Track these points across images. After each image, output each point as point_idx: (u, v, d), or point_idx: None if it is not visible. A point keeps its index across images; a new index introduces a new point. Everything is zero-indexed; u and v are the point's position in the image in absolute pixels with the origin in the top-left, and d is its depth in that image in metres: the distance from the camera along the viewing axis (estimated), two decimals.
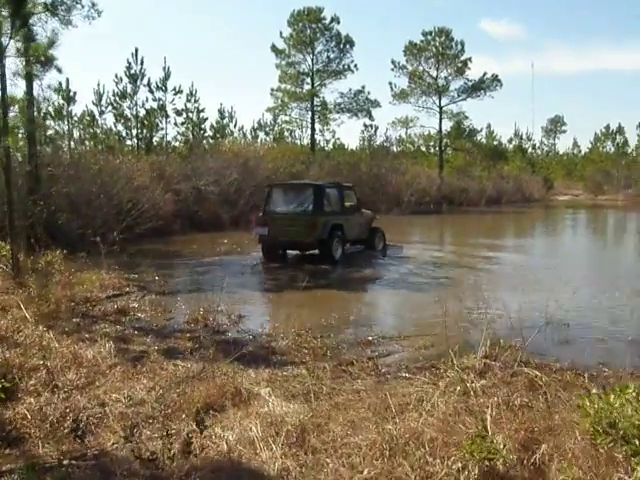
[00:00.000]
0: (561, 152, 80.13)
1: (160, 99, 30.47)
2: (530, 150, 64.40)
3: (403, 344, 6.56)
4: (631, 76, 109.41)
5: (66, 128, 28.22)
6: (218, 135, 36.53)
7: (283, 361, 5.82)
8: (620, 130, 59.55)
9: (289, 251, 14.74)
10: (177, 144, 32.50)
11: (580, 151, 76.34)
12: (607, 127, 61.93)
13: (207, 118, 34.03)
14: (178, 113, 31.62)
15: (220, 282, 10.94)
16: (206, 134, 35.49)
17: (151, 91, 30.09)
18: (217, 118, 37.59)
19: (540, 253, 16.20)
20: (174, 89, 30.78)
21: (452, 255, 15.62)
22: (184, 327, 7.42)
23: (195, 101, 33.33)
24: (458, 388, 4.67)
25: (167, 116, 31.07)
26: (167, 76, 30.46)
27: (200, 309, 8.27)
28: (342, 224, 13.75)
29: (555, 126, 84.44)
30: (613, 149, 60.85)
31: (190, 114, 33.16)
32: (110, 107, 30.20)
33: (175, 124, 32.03)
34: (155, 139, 31.92)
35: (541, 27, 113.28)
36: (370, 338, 6.74)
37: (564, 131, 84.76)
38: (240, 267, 13.10)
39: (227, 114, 38.24)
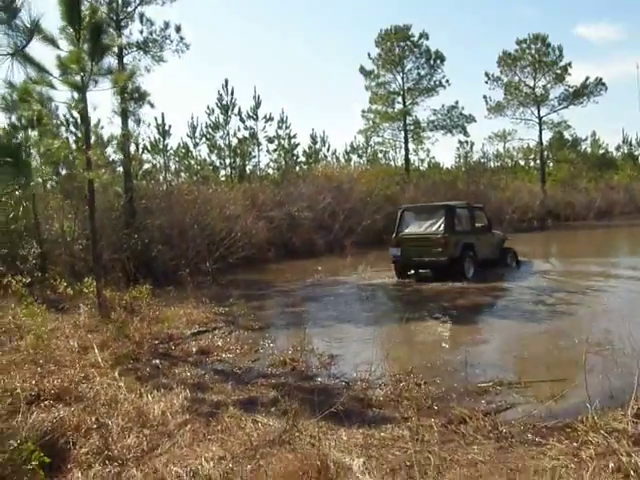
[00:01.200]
0: None
1: (251, 127, 30.75)
2: None
3: (526, 393, 5.33)
4: None
5: (162, 161, 28.72)
6: (311, 160, 36.29)
7: (381, 417, 4.84)
8: None
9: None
10: (270, 171, 32.58)
11: None
12: None
13: (299, 144, 34.04)
14: (270, 140, 31.73)
15: (314, 314, 10.55)
16: (299, 160, 35.46)
17: (242, 120, 30.37)
18: (309, 143, 37.50)
19: None
20: (265, 117, 30.97)
21: (564, 277, 14.05)
22: (269, 371, 6.59)
23: (286, 127, 33.35)
24: (611, 464, 3.53)
25: (259, 144, 31.21)
26: (258, 104, 30.63)
27: (289, 348, 7.53)
28: (473, 243, 13.90)
29: None
30: None
31: (282, 141, 33.20)
32: (204, 138, 30.64)
33: (267, 151, 32.21)
34: (248, 167, 32.11)
35: None
36: (484, 385, 5.58)
37: None
38: (334, 296, 12.29)
39: (319, 138, 38.06)
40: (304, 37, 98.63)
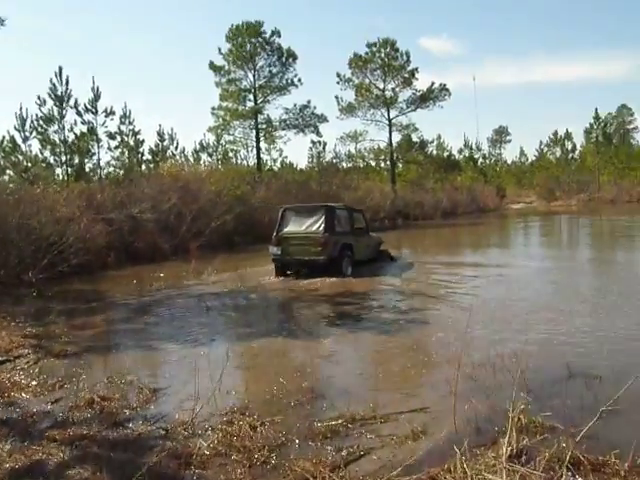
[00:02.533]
0: (509, 161, 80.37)
1: (90, 122, 28.06)
2: (480, 160, 63.91)
3: (382, 431, 4.44)
4: (566, 87, 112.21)
5: None
6: (158, 158, 34.22)
7: None
8: (568, 136, 59.61)
9: None
10: (111, 170, 30.17)
11: (527, 159, 76.72)
12: (555, 133, 61.95)
13: (144, 141, 31.81)
14: (111, 136, 29.28)
15: (144, 332, 9.17)
16: (144, 158, 33.26)
17: (79, 113, 27.64)
18: (156, 140, 35.39)
19: (521, 270, 14.37)
20: (105, 111, 28.44)
21: (418, 280, 13.73)
22: (70, 416, 5.21)
23: (130, 123, 31.08)
24: None
25: (99, 140, 28.67)
26: (97, 97, 28.07)
27: (104, 380, 6.19)
28: (352, 244, 14.35)
29: (500, 136, 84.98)
30: (560, 154, 60.72)
31: (125, 137, 30.88)
32: (34, 132, 27.54)
33: (109, 148, 29.70)
34: (88, 165, 29.48)
35: (479, 42, 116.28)
36: (333, 423, 4.66)
37: (509, 141, 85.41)
38: (171, 308, 10.94)
39: (167, 136, 36.06)
40: (151, 31, 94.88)
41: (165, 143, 35.90)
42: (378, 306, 10.41)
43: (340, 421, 4.70)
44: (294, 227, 14.17)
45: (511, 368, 5.74)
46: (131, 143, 31.30)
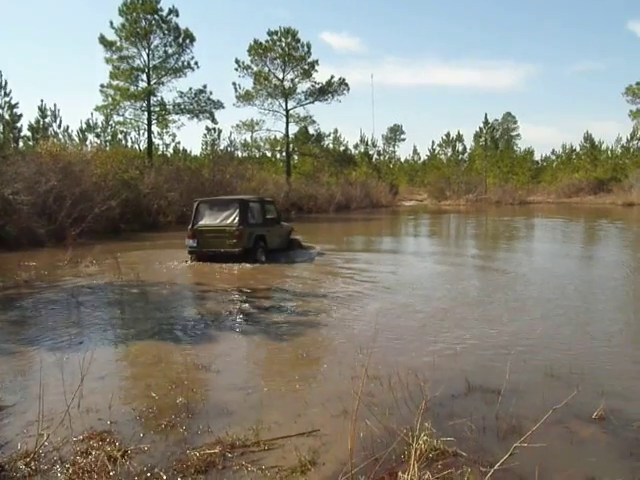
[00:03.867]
0: (402, 159, 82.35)
1: None
2: (375, 156, 64.90)
3: (265, 462, 3.83)
4: (459, 92, 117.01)
5: None
6: (38, 136, 31.83)
7: None
8: (460, 138, 61.75)
9: None
10: None
11: (420, 158, 78.93)
12: (448, 135, 64.06)
13: (21, 115, 29.46)
14: None
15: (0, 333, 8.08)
16: (22, 134, 30.84)
17: None
18: (37, 116, 32.93)
19: (413, 271, 14.34)
20: None
21: (307, 273, 13.32)
22: None
23: (6, 94, 28.68)
24: None
25: None
26: None
27: None
28: (264, 235, 14.96)
29: (395, 134, 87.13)
30: (451, 155, 62.92)
31: (0, 110, 28.44)
32: None
33: None
34: None
35: (379, 42, 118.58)
36: (209, 451, 4.03)
37: (403, 139, 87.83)
38: (38, 303, 9.81)
39: (49, 112, 33.65)
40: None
41: (47, 120, 33.57)
42: (276, 302, 9.89)
43: (218, 449, 4.07)
44: (209, 220, 14.57)
45: (409, 381, 5.40)
46: (6, 117, 28.92)
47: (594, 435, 4.37)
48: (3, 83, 28.52)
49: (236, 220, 14.18)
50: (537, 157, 68.65)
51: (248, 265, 13.83)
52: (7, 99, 28.79)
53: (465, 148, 63.59)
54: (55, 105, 34.93)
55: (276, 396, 5.29)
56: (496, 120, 69.17)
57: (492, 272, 13.72)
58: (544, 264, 14.77)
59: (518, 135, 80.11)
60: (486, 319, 8.49)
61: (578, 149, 63.53)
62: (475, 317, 8.60)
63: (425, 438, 3.81)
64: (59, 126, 34.23)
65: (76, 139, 35.84)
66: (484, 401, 5.04)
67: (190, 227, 14.53)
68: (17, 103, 29.10)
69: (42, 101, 33.81)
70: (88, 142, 36.02)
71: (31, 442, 4.15)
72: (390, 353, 6.60)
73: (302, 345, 7.09)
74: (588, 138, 60.91)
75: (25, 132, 31.53)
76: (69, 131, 35.38)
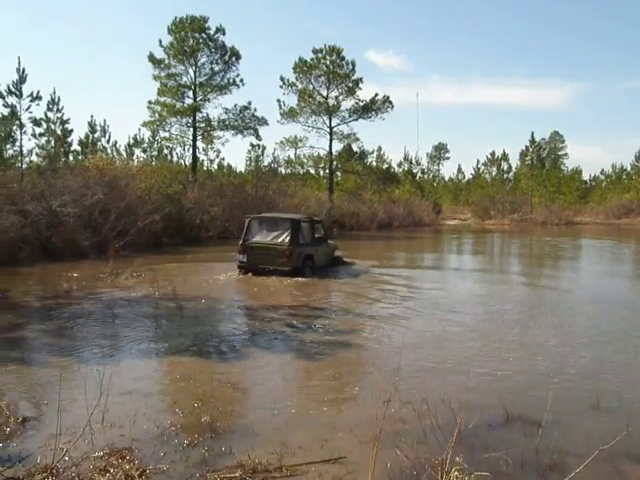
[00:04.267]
0: (446, 178, 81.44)
1: (13, 105, 26.22)
2: (419, 175, 64.35)
3: None
4: (504, 110, 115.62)
5: None
6: (87, 150, 32.55)
7: None
8: (505, 157, 60.74)
9: None
10: (35, 158, 28.34)
11: (464, 177, 77.92)
12: (492, 153, 63.03)
13: (72, 130, 30.12)
14: (36, 123, 27.47)
15: (30, 344, 8.07)
16: (72, 149, 31.57)
17: (1, 95, 25.78)
18: (87, 131, 33.71)
19: (455, 293, 14.01)
20: (31, 95, 26.65)
21: (348, 290, 13.12)
22: None
23: (58, 110, 29.39)
24: None
25: (22, 125, 26.82)
26: (22, 79, 26.25)
27: None
28: (312, 254, 15.34)
29: (439, 153, 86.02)
30: (496, 174, 61.88)
31: (52, 125, 29.18)
32: None
33: (33, 135, 27.89)
34: (10, 152, 27.53)
35: (423, 60, 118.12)
36: (229, 475, 3.83)
37: (448, 158, 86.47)
38: (74, 314, 9.86)
39: (99, 127, 34.42)
40: (92, 20, 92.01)
41: (96, 135, 34.32)
42: (313, 319, 9.67)
43: (238, 473, 3.92)
44: (260, 237, 14.93)
45: (444, 408, 5.13)
46: (58, 132, 29.63)
47: None
48: (56, 99, 29.27)
49: (287, 239, 14.52)
50: (585, 177, 67.07)
51: (293, 280, 14.01)
52: (59, 115, 29.50)
53: (510, 167, 62.49)
54: (105, 121, 35.69)
55: (303, 418, 5.11)
56: (543, 139, 67.74)
57: (537, 294, 13.26)
58: (592, 288, 14.22)
59: (566, 154, 78.24)
60: (529, 343, 8.13)
61: (629, 168, 61.79)
62: (517, 340, 8.26)
63: (456, 474, 3.56)
64: (108, 141, 34.96)
65: (124, 154, 36.54)
66: (523, 433, 4.75)
67: (241, 242, 14.93)
68: (69, 119, 29.83)
69: (92, 117, 34.50)
70: (135, 157, 36.70)
71: (52, 456, 4.06)
72: (426, 377, 6.34)
73: (335, 366, 6.89)
74: None
75: (75, 147, 32.26)
76: (117, 146, 36.13)
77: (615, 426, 4.30)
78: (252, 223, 15.20)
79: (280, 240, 14.61)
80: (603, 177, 66.73)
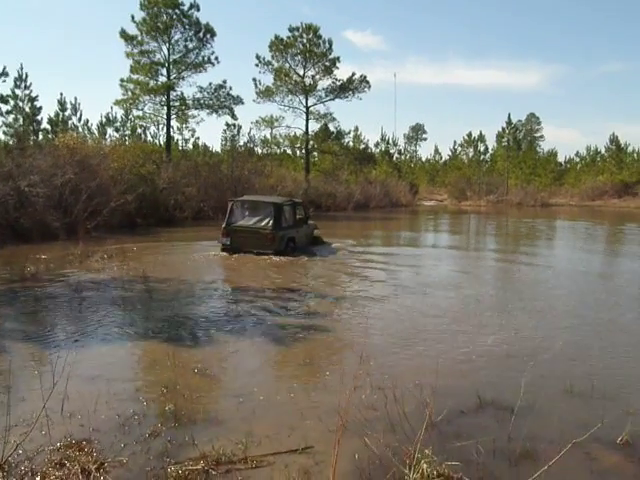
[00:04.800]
0: (423, 159, 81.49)
1: None
2: (396, 155, 64.27)
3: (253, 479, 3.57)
4: (481, 92, 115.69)
5: None
6: (57, 129, 31.80)
7: None
8: (481, 138, 60.90)
9: None
10: (3, 137, 27.64)
11: (441, 158, 78.04)
12: (469, 134, 63.21)
13: (41, 108, 29.44)
14: (3, 100, 26.72)
15: None
16: (42, 127, 30.85)
17: None
18: (57, 110, 32.94)
19: (431, 271, 13.95)
20: None
21: (325, 270, 12.99)
22: None
23: (26, 87, 28.69)
24: None
25: None
26: None
27: None
28: (294, 236, 15.80)
29: (416, 133, 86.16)
30: (473, 155, 62.08)
31: (20, 102, 28.47)
32: None
33: (0, 113, 27.19)
34: None
35: (402, 41, 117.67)
36: (191, 467, 3.67)
37: (425, 139, 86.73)
38: (36, 298, 9.57)
39: (70, 105, 33.67)
40: None
41: (67, 113, 33.58)
42: (287, 302, 9.54)
43: (201, 465, 3.75)
44: (243, 221, 15.30)
45: (417, 393, 5.02)
46: (27, 109, 28.95)
47: (618, 464, 3.96)
48: (24, 76, 28.52)
49: (270, 223, 14.90)
50: (560, 159, 67.54)
51: (269, 259, 14.35)
52: (27, 92, 28.79)
53: (487, 149, 62.75)
54: (76, 99, 34.92)
55: (271, 406, 4.96)
56: (519, 121, 68.03)
57: (513, 276, 13.25)
58: (567, 271, 14.25)
59: (542, 137, 78.70)
60: (504, 326, 8.07)
61: (603, 151, 62.37)
62: (492, 323, 8.19)
63: (425, 466, 3.44)
64: (79, 120, 34.27)
65: (95, 133, 35.85)
66: (496, 419, 4.65)
67: (224, 226, 15.19)
68: (37, 96, 29.12)
69: (62, 94, 33.56)
70: (107, 136, 36.04)
71: (2, 450, 3.85)
72: (399, 362, 6.23)
73: (306, 351, 6.76)
74: (614, 140, 59.65)
75: (45, 125, 31.54)
76: (89, 125, 35.42)
77: (589, 412, 4.21)
78: (235, 206, 15.50)
79: (263, 224, 14.96)
80: (578, 159, 67.29)
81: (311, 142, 43.08)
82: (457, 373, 5.86)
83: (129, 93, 33.67)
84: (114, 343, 6.92)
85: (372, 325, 7.91)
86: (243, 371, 6.13)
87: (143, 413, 4.70)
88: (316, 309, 8.99)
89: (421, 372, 5.80)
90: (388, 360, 6.24)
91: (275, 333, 7.55)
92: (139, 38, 33.77)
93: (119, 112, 38.78)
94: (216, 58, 34.79)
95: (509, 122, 58.57)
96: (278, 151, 47.55)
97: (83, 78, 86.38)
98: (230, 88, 35.39)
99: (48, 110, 35.53)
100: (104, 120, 36.92)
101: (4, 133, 27.83)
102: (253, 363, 6.45)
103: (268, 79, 41.49)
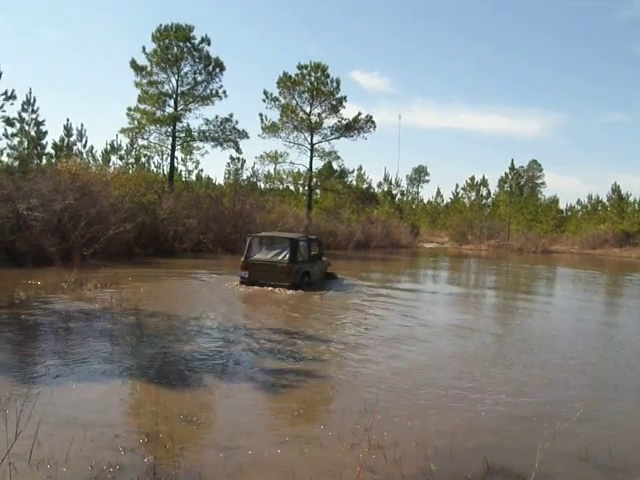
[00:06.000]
0: (425, 200, 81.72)
1: None
2: (398, 196, 64.32)
3: None
4: (484, 137, 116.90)
5: None
6: (61, 154, 31.73)
7: None
8: (484, 182, 61.01)
9: None
10: (5, 159, 27.49)
11: (443, 200, 78.19)
12: (472, 178, 63.32)
13: (47, 132, 29.42)
14: (9, 123, 26.64)
15: None
16: (46, 151, 30.76)
17: None
18: (62, 135, 32.93)
19: (428, 328, 13.58)
20: (5, 93, 25.87)
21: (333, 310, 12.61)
22: None
23: (33, 111, 28.71)
24: None
25: None
26: None
27: None
28: (309, 271, 16.60)
29: (419, 175, 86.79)
30: (475, 199, 62.11)
31: (26, 126, 28.44)
32: None
33: (5, 135, 27.13)
34: None
35: (408, 83, 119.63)
36: None
37: (427, 181, 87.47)
38: (22, 328, 9.18)
39: (75, 131, 33.70)
40: (72, 24, 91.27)
41: (72, 139, 33.57)
42: (287, 345, 9.02)
43: None
44: (261, 255, 16.01)
45: (418, 454, 4.63)
46: (32, 133, 28.90)
47: None
48: (32, 100, 28.58)
49: (287, 257, 15.58)
50: (562, 206, 67.58)
51: (286, 292, 15.02)
52: (34, 116, 28.81)
53: (489, 193, 62.83)
54: (82, 125, 35.11)
55: (260, 462, 4.53)
56: (522, 167, 68.25)
57: (514, 328, 12.85)
58: (569, 322, 13.86)
59: (543, 183, 79.25)
60: (510, 383, 7.67)
61: (605, 200, 62.44)
62: (497, 381, 7.78)
63: None
64: (84, 146, 34.25)
65: (99, 160, 35.79)
66: None
67: (243, 259, 15.92)
68: (44, 120, 29.12)
69: (68, 120, 33.76)
70: (111, 163, 35.97)
71: None
72: (400, 416, 5.82)
73: (300, 399, 6.33)
74: (616, 189, 59.73)
75: (49, 150, 31.46)
76: (93, 151, 35.38)
77: None
78: (253, 241, 16.22)
79: (280, 258, 15.67)
80: (579, 207, 67.34)
81: (314, 179, 43.01)
82: (463, 432, 5.44)
83: (135, 122, 33.72)
84: (97, 381, 6.51)
85: (371, 376, 7.51)
86: (232, 420, 5.68)
87: (119, 465, 4.28)
88: (314, 354, 8.55)
89: (424, 429, 5.40)
90: (389, 414, 5.83)
91: (268, 379, 7.11)
92: (149, 69, 33.99)
93: (124, 140, 38.80)
94: (224, 92, 34.97)
95: (512, 167, 58.65)
96: (281, 187, 47.46)
97: (91, 105, 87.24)
98: (236, 122, 35.48)
99: (53, 135, 35.63)
100: (109, 147, 36.90)
101: (8, 155, 27.67)
102: (244, 411, 5.99)
103: (274, 115, 41.54)
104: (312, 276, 16.82)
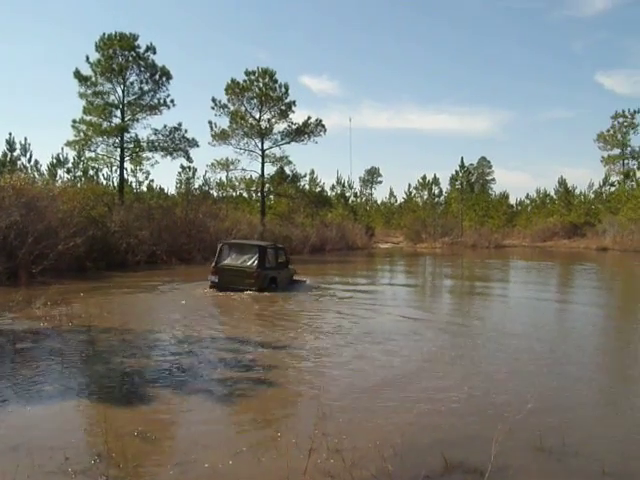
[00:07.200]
0: (379, 201, 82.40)
1: None
2: (352, 198, 64.65)
3: None
4: (435, 136, 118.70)
5: None
6: (5, 170, 30.85)
7: None
8: (436, 181, 61.92)
9: None
10: None
11: (396, 200, 78.98)
12: (424, 178, 64.18)
13: None
14: None
15: None
16: None
17: None
18: (5, 150, 32.07)
19: (385, 319, 13.65)
20: None
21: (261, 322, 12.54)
22: None
23: None
24: None
25: None
26: None
27: None
28: (276, 277, 17.31)
29: (372, 177, 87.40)
30: (427, 198, 62.99)
31: None
32: None
33: None
34: None
35: (357, 85, 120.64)
36: None
37: (380, 182, 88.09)
38: None
39: (19, 145, 32.83)
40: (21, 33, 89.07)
41: (16, 154, 32.72)
42: (243, 353, 8.92)
43: None
44: (230, 260, 16.77)
45: (377, 456, 4.60)
46: None
47: None
48: None
49: (255, 263, 16.38)
50: (512, 201, 69.11)
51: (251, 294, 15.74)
52: None
53: (441, 191, 63.85)
54: (25, 139, 34.10)
55: (216, 474, 4.44)
56: (471, 164, 69.63)
57: (469, 322, 13.03)
58: (523, 313, 14.14)
59: (493, 179, 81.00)
60: (468, 377, 7.75)
61: (552, 194, 64.12)
62: (456, 376, 7.86)
63: None
64: (29, 160, 33.44)
65: (45, 174, 34.95)
66: None
67: (213, 265, 16.69)
68: None
69: (10, 134, 32.78)
70: (58, 177, 35.18)
71: None
72: (357, 419, 5.81)
73: (259, 409, 6.28)
74: (562, 183, 61.44)
75: None
76: (38, 166, 34.54)
77: (562, 470, 3.87)
78: (223, 248, 17.01)
79: (249, 264, 16.47)
80: (529, 202, 68.96)
81: (267, 185, 42.91)
82: (421, 430, 5.46)
83: (81, 134, 32.97)
84: (45, 403, 6.29)
85: (329, 381, 7.48)
86: (188, 434, 5.56)
87: None
88: (270, 362, 8.47)
89: (382, 430, 5.40)
90: (346, 417, 5.81)
91: (228, 389, 7.01)
92: (93, 79, 33.33)
93: (71, 153, 37.98)
94: (172, 101, 34.56)
95: (462, 165, 59.75)
96: (234, 194, 47.16)
97: (34, 119, 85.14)
98: (185, 131, 35.10)
99: None
100: (54, 161, 36.06)
101: None
102: (200, 424, 5.87)
103: (224, 122, 41.14)
104: (279, 282, 17.42)
